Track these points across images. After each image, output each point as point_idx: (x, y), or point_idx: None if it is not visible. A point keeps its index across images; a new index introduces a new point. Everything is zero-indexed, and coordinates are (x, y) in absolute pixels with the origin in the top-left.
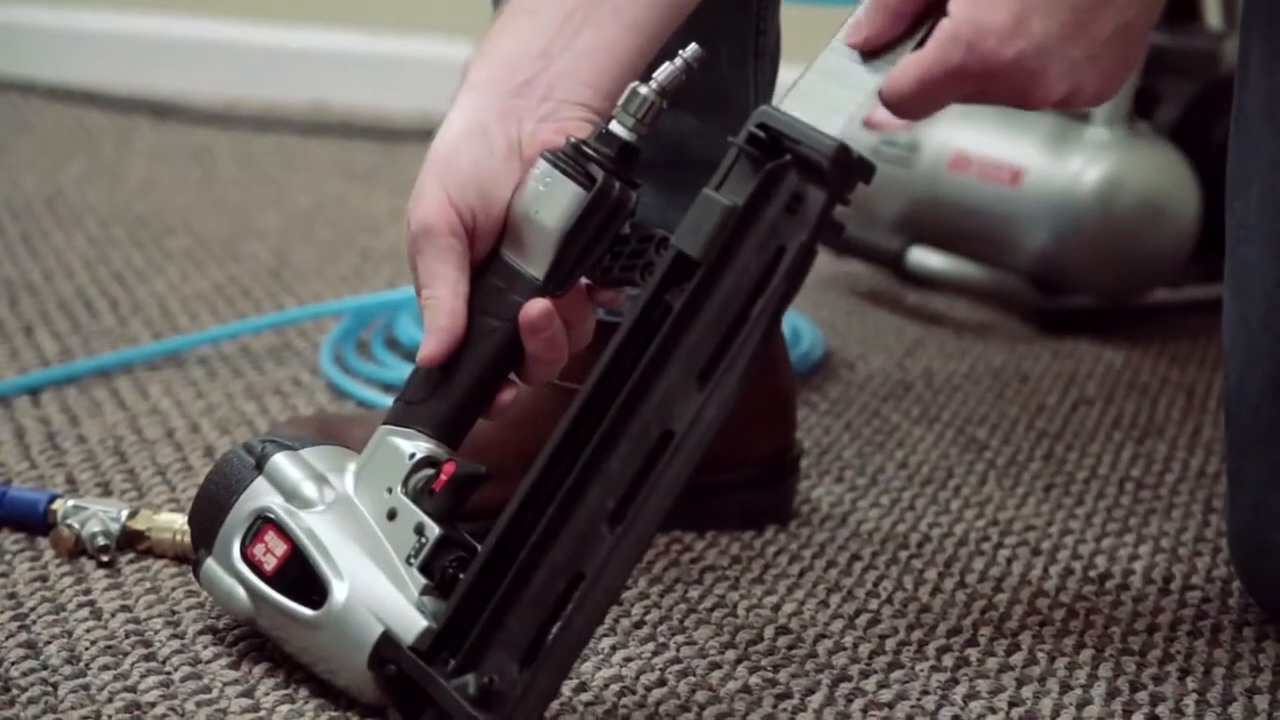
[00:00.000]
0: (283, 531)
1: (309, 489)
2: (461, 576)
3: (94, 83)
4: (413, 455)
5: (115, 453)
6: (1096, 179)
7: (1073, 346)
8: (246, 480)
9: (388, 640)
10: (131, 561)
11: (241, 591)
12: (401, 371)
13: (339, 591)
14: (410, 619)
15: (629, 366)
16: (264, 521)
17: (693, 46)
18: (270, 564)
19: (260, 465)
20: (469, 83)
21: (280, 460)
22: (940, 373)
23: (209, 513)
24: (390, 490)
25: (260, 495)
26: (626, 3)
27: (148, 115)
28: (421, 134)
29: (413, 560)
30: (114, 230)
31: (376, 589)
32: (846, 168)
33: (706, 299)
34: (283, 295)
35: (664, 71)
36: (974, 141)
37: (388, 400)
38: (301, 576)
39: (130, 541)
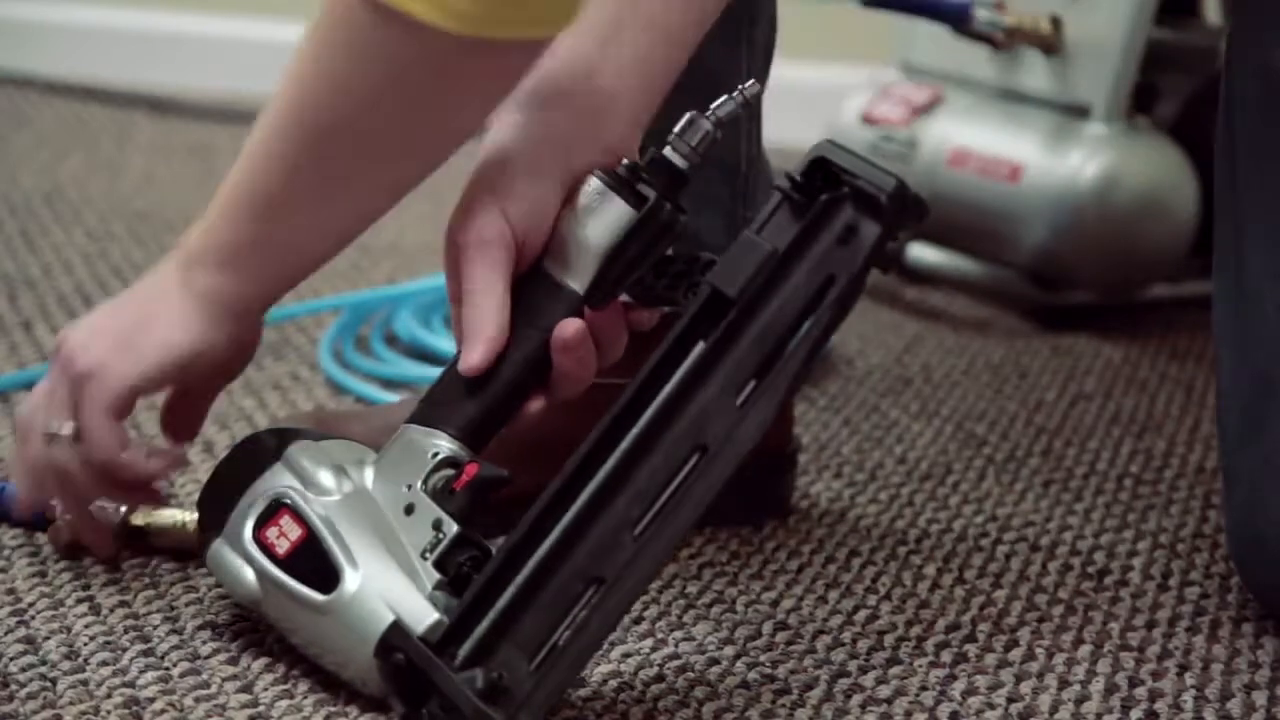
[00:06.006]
0: (299, 516)
1: (327, 478)
2: (476, 575)
3: (93, 77)
4: (435, 454)
5: None
6: (1095, 175)
7: (1071, 342)
8: (264, 465)
9: (397, 629)
10: (130, 557)
11: (250, 573)
12: (400, 367)
13: (351, 578)
14: (422, 610)
15: (667, 379)
16: (280, 505)
17: (752, 83)
18: (283, 547)
19: (279, 452)
20: (513, 99)
21: (300, 448)
22: (939, 368)
23: (222, 494)
24: (410, 486)
25: (278, 480)
26: (663, 14)
27: (147, 110)
28: None
29: (428, 555)
30: (113, 225)
31: (389, 579)
32: (903, 203)
33: (741, 334)
34: None
35: (722, 105)
36: (973, 137)
37: (386, 396)
38: (314, 562)
39: (129, 537)
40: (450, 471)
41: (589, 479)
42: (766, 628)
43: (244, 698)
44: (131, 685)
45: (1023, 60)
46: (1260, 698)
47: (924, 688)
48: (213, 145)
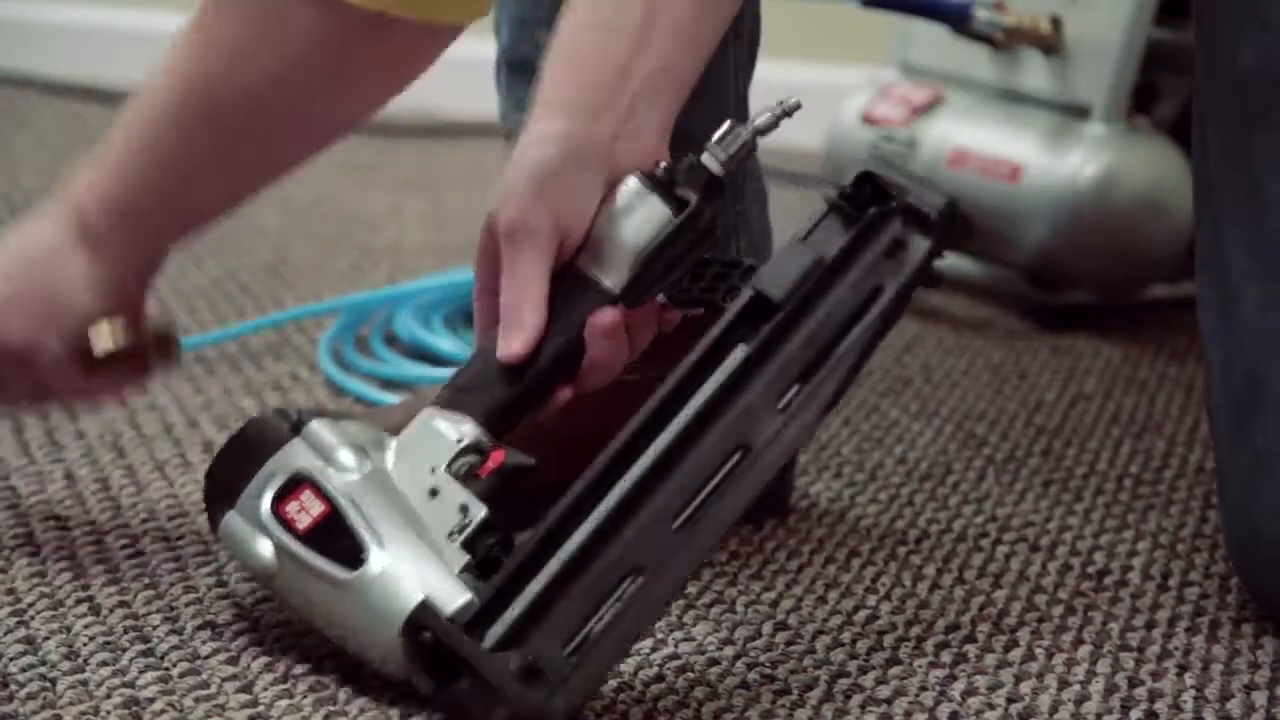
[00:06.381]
0: (320, 492)
1: (348, 456)
2: (504, 559)
3: (93, 77)
4: (460, 439)
5: (114, 448)
6: (1095, 175)
7: (1071, 342)
8: (281, 440)
9: (426, 608)
10: (130, 558)
11: (266, 547)
12: (400, 368)
13: (377, 556)
14: (451, 590)
15: (703, 380)
16: (300, 481)
17: (794, 99)
18: (304, 522)
19: (296, 428)
20: (550, 99)
21: (320, 425)
22: (939, 368)
23: (235, 468)
24: (434, 470)
25: (297, 455)
26: (688, 20)
27: None
28: (421, 130)
29: (454, 537)
30: None
31: (416, 558)
32: (952, 220)
33: (786, 339)
34: (281, 291)
35: (761, 116)
36: (973, 138)
37: (386, 396)
38: (337, 539)
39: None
40: (475, 458)
41: (624, 472)
42: (766, 628)
43: (244, 698)
44: (131, 685)
45: (1023, 60)
46: (1260, 698)
47: (924, 688)
48: None
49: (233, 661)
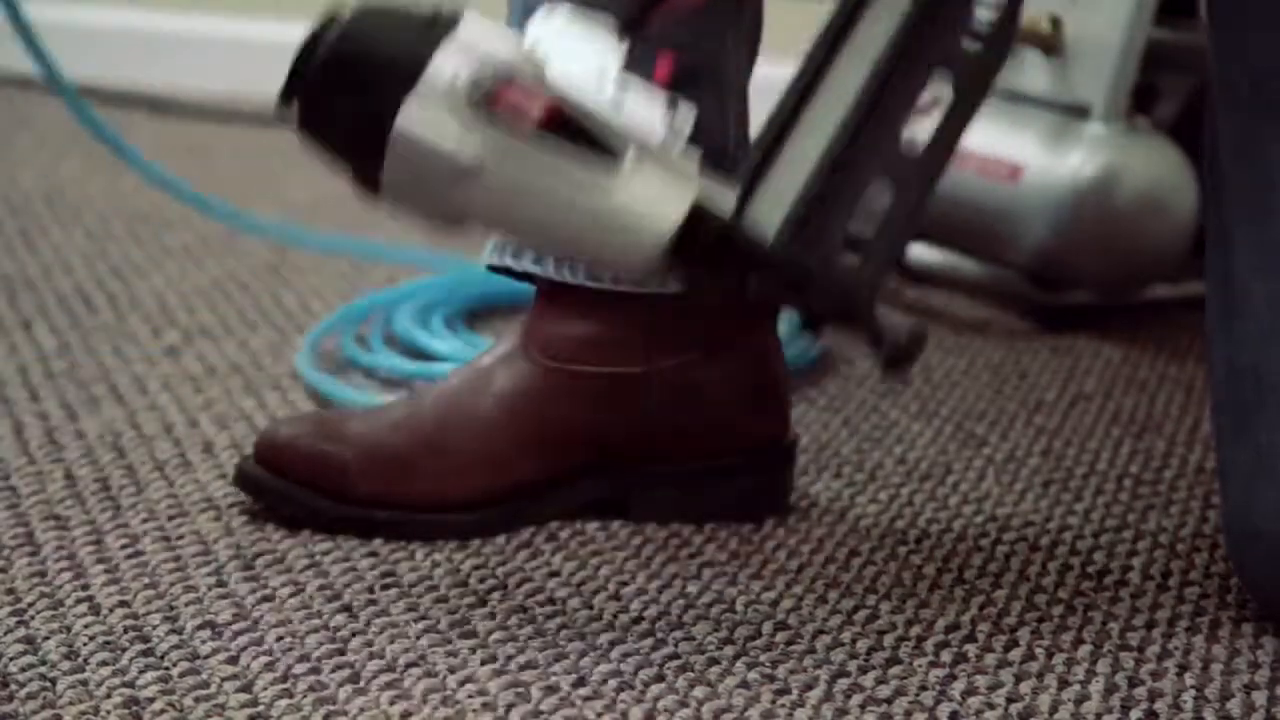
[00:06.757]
0: (535, 89)
1: (527, 53)
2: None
3: (92, 78)
4: (621, 40)
5: (114, 448)
6: (1095, 175)
7: (1071, 342)
8: (428, 38)
9: (704, 209)
10: (130, 558)
11: (472, 139)
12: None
13: (631, 153)
14: (713, 188)
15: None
16: (504, 77)
17: None
18: (532, 117)
19: (441, 25)
20: None
21: (475, 21)
22: (939, 368)
23: (378, 57)
24: (603, 72)
25: (475, 48)
26: None
27: (146, 110)
28: None
29: (676, 136)
30: (112, 225)
31: (660, 158)
32: None
33: None
34: (281, 291)
35: None
36: (973, 138)
37: (382, 397)
38: (575, 136)
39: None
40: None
41: (824, 88)
42: (766, 628)
43: (244, 697)
44: (131, 685)
45: (1023, 60)
46: (1260, 698)
47: (924, 688)
48: (213, 145)
49: (233, 661)
